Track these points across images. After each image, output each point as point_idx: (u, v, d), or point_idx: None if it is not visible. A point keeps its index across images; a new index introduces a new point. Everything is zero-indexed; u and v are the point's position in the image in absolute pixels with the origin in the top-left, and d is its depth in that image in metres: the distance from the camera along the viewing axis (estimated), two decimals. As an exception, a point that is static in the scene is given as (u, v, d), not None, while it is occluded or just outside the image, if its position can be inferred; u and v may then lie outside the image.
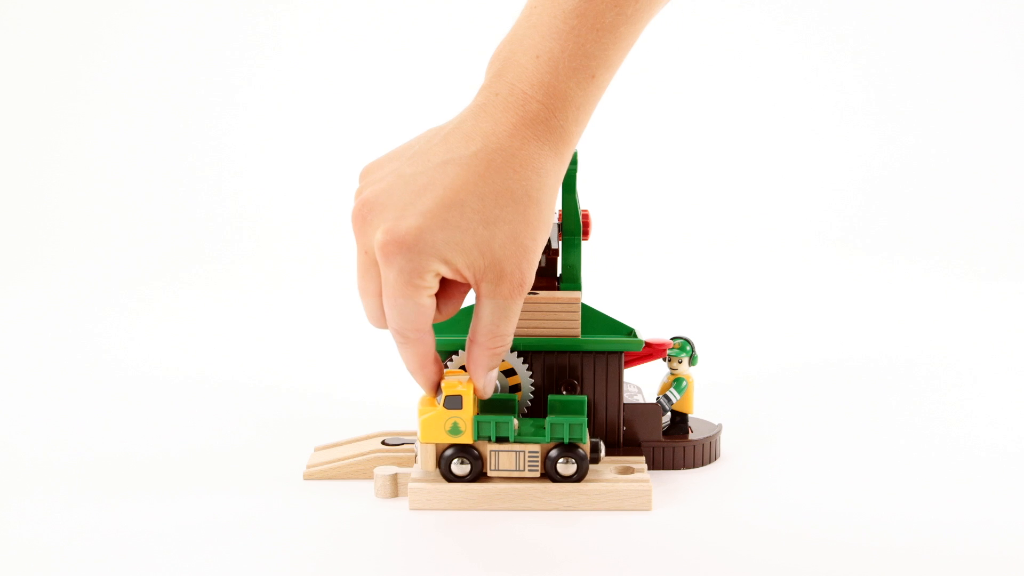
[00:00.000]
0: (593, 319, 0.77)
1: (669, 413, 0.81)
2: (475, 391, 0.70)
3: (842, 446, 0.83)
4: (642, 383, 0.87)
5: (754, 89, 1.77)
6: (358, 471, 0.76)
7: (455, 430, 0.71)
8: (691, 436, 0.79)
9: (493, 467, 0.71)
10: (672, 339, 0.81)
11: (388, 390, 0.95)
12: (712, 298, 1.34)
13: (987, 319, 1.23)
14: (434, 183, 0.63)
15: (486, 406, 0.73)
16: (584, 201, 0.80)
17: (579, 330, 0.76)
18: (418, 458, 0.72)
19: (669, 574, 0.63)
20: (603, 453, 0.73)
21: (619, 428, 0.77)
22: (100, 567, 0.63)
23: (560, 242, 0.79)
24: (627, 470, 0.73)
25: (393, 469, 0.73)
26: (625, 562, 0.64)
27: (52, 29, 1.77)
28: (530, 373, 0.76)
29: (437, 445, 0.71)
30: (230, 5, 1.80)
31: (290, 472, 0.77)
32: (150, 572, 0.63)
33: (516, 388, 0.76)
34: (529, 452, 0.71)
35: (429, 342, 0.68)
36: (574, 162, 0.76)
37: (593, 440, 0.73)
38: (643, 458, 0.75)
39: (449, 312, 0.69)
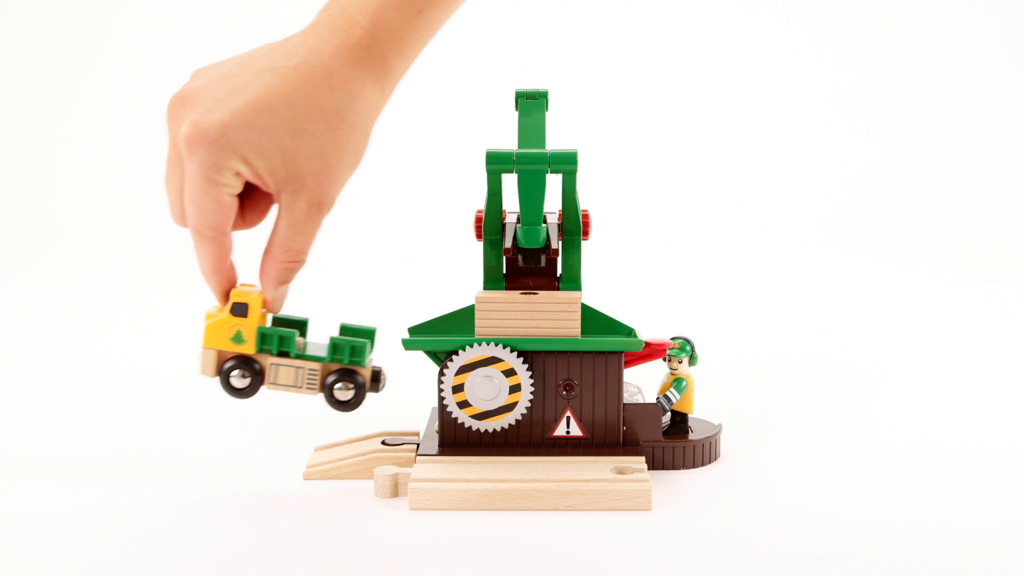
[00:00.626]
0: (593, 319, 0.77)
1: (669, 413, 0.81)
2: (265, 304, 0.70)
3: (842, 446, 0.83)
4: (642, 383, 0.87)
5: (753, 89, 1.77)
6: (358, 471, 0.76)
7: (238, 338, 0.70)
8: (691, 436, 0.79)
9: (272, 380, 0.71)
10: (672, 339, 0.81)
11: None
12: (712, 298, 1.34)
13: (987, 318, 1.23)
14: (249, 86, 0.64)
15: (276, 324, 0.73)
16: (584, 201, 0.80)
17: (579, 330, 0.76)
18: (200, 364, 0.71)
19: (669, 574, 0.63)
20: (384, 384, 0.73)
21: (619, 428, 0.77)
22: (96, 563, 0.63)
23: (560, 242, 0.79)
24: (627, 470, 0.73)
25: (393, 469, 0.73)
26: (625, 562, 0.64)
27: (50, 27, 1.77)
28: (530, 373, 0.76)
29: (219, 352, 0.71)
30: (228, 5, 1.80)
31: (290, 472, 0.77)
32: (149, 572, 0.63)
33: (516, 388, 0.76)
34: (309, 370, 0.71)
35: (225, 244, 0.68)
36: (574, 162, 0.76)
37: (375, 368, 0.73)
38: (643, 458, 0.75)
39: (254, 220, 0.69)
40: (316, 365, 0.72)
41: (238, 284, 0.71)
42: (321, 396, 0.73)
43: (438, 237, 1.57)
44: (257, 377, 0.71)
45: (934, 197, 1.69)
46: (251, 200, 0.69)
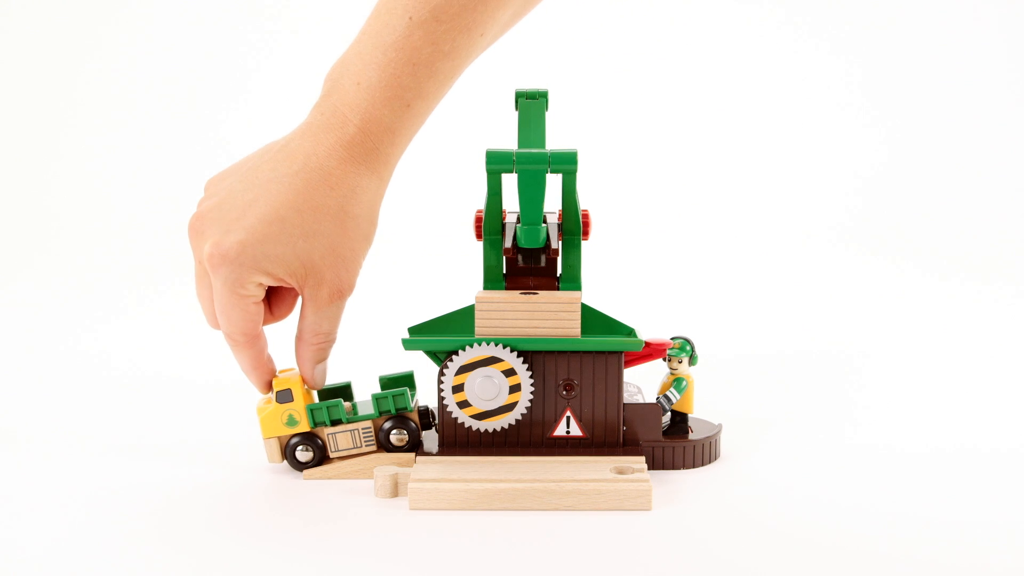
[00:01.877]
0: (593, 319, 0.77)
1: (669, 413, 0.81)
2: (306, 382, 0.76)
3: (842, 446, 0.83)
4: (642, 383, 0.87)
5: (752, 89, 1.77)
6: (358, 471, 0.76)
7: (291, 421, 0.76)
8: (691, 436, 0.79)
9: (334, 449, 0.77)
10: (672, 339, 0.81)
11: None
12: (712, 298, 1.34)
13: (988, 318, 1.23)
14: (258, 200, 0.69)
15: (323, 396, 0.80)
16: (584, 201, 0.80)
17: (579, 330, 0.76)
18: (267, 454, 0.77)
19: (669, 574, 0.63)
20: (435, 419, 0.78)
21: (619, 428, 0.77)
22: (95, 563, 0.63)
23: (560, 242, 0.79)
24: (627, 470, 0.73)
25: (393, 469, 0.73)
26: (625, 562, 0.64)
27: (49, 28, 1.77)
28: (530, 373, 0.76)
29: (280, 438, 0.76)
30: (226, 5, 1.80)
31: (290, 472, 0.77)
32: (149, 572, 0.63)
33: (516, 388, 0.76)
34: (363, 429, 0.76)
35: (259, 345, 0.74)
36: (574, 162, 0.76)
37: (421, 407, 0.78)
38: (643, 458, 0.75)
39: (282, 314, 0.76)
40: (368, 423, 0.77)
41: (277, 373, 0.78)
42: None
43: (438, 237, 1.57)
44: (320, 450, 0.77)
45: (934, 197, 1.69)
46: (278, 296, 0.75)
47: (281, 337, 1.16)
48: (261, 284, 0.70)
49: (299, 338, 0.74)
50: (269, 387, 0.76)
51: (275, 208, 0.69)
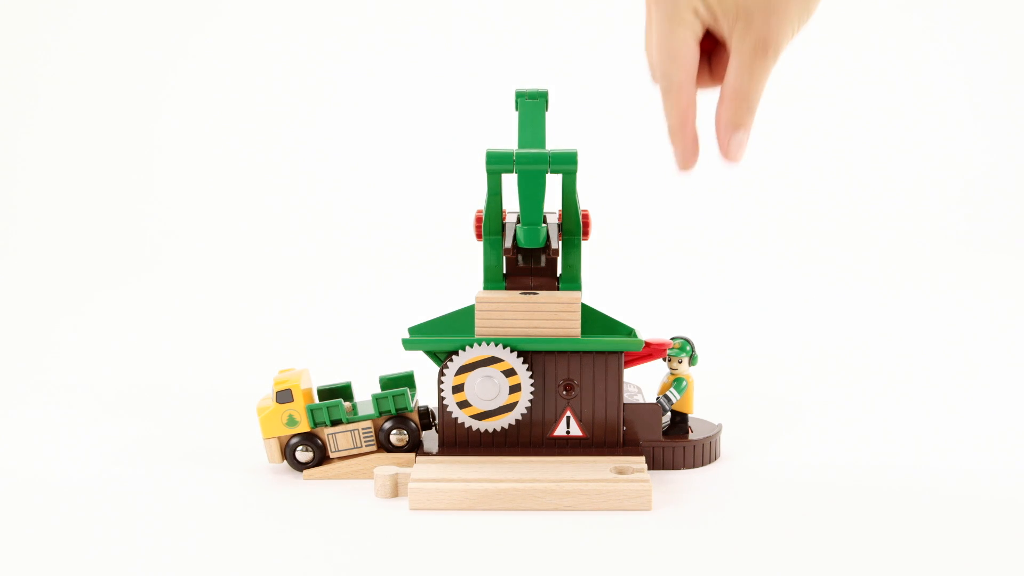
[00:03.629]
0: (593, 319, 0.77)
1: (669, 413, 0.81)
2: (723, 151, 0.72)
3: (842, 446, 0.83)
4: (642, 383, 0.87)
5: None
6: (358, 471, 0.76)
7: (291, 421, 0.76)
8: (691, 436, 0.79)
9: (334, 449, 0.77)
10: (672, 339, 0.81)
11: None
12: (712, 298, 1.34)
13: (987, 319, 1.24)
14: None
15: (323, 396, 0.80)
16: (584, 201, 0.80)
17: (579, 330, 0.76)
18: (267, 454, 0.77)
19: (669, 574, 0.63)
20: (435, 418, 0.79)
21: (619, 428, 0.77)
22: (95, 566, 0.63)
23: (560, 242, 0.79)
24: (627, 470, 0.73)
25: (393, 469, 0.73)
26: (625, 562, 0.64)
27: (46, 26, 1.77)
28: (530, 373, 0.76)
29: (280, 438, 0.76)
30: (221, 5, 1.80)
31: (290, 472, 0.77)
32: (149, 572, 0.63)
33: (516, 388, 0.76)
34: (363, 429, 0.76)
35: (690, 97, 0.71)
36: (574, 162, 0.76)
37: (421, 407, 0.78)
38: (643, 458, 0.75)
39: (720, 77, 0.72)
40: (368, 423, 0.77)
41: (278, 372, 0.79)
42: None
43: (438, 237, 1.57)
44: (320, 450, 0.76)
45: (934, 196, 1.69)
46: (716, 60, 0.73)
47: (282, 337, 1.16)
48: (696, 12, 0.69)
49: (720, 99, 0.71)
50: (688, 163, 0.72)
51: None
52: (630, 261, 1.50)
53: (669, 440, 0.78)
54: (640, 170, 1.69)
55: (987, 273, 1.45)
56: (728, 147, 0.72)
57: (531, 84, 0.91)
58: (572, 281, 0.79)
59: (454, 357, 0.76)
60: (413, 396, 0.79)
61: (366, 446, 0.77)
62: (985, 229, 1.63)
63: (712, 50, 0.73)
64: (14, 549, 0.66)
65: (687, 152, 0.72)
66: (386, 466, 0.75)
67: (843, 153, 1.74)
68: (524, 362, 0.76)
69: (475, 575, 0.63)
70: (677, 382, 0.80)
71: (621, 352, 0.77)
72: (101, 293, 1.36)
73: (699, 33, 0.70)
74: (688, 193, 1.67)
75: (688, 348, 0.81)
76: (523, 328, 0.76)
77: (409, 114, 1.76)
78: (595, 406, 0.77)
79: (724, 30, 0.70)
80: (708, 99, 0.72)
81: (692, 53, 0.70)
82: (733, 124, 0.71)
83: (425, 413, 0.79)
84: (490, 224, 0.79)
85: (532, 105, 0.82)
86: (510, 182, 0.77)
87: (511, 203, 0.79)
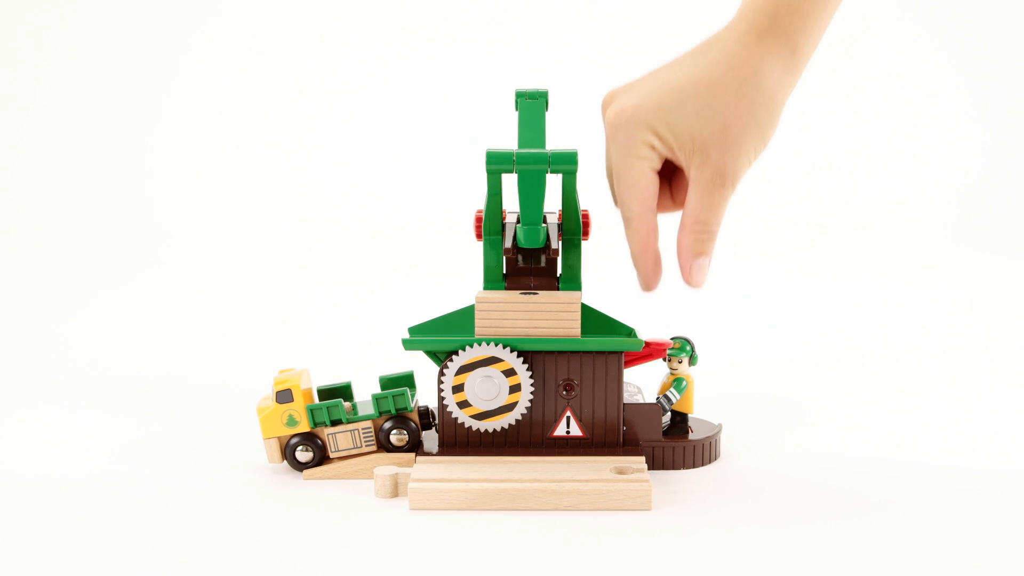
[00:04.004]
0: (593, 319, 0.77)
1: (669, 413, 0.81)
2: (685, 277, 0.73)
3: (842, 445, 0.83)
4: (642, 383, 0.87)
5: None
6: (358, 471, 0.76)
7: (291, 421, 0.76)
8: (691, 436, 0.79)
9: (334, 449, 0.77)
10: (672, 339, 0.81)
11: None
12: (712, 298, 1.34)
13: (988, 319, 1.23)
14: (663, 76, 0.71)
15: (323, 396, 0.80)
16: (584, 201, 0.80)
17: (579, 330, 0.76)
18: (267, 454, 0.77)
19: (669, 574, 0.63)
20: (435, 418, 0.79)
21: (619, 428, 0.77)
22: (94, 564, 0.63)
23: (560, 242, 0.79)
24: (627, 470, 0.73)
25: (393, 469, 0.73)
26: (625, 562, 0.64)
27: (46, 26, 1.77)
28: (530, 373, 0.76)
29: (280, 438, 0.77)
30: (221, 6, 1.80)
31: (290, 472, 0.77)
32: (149, 572, 0.63)
33: (516, 388, 0.76)
34: (363, 429, 0.77)
35: (651, 224, 0.72)
36: (574, 162, 0.76)
37: (421, 407, 0.79)
38: (643, 458, 0.75)
39: (680, 202, 0.74)
40: (368, 423, 0.77)
41: (278, 372, 0.79)
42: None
43: (438, 237, 1.57)
44: (320, 450, 0.76)
45: (935, 196, 1.69)
46: (677, 184, 0.74)
47: (282, 337, 1.16)
48: (653, 147, 0.70)
49: (681, 227, 0.72)
50: (651, 285, 0.74)
51: (675, 82, 0.70)
52: (630, 261, 1.50)
53: (669, 440, 0.79)
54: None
55: (988, 273, 1.45)
56: (690, 273, 0.73)
57: (531, 84, 0.91)
58: (572, 281, 0.79)
59: (454, 357, 0.76)
60: (413, 396, 0.79)
61: (366, 446, 0.77)
62: (985, 229, 1.63)
63: (672, 174, 0.74)
64: (14, 549, 0.66)
65: (649, 274, 0.74)
66: (386, 466, 0.75)
67: (843, 153, 1.74)
68: (524, 362, 0.76)
69: (475, 575, 0.63)
70: (677, 382, 0.80)
71: (621, 352, 0.77)
72: (102, 292, 1.36)
73: (657, 165, 0.71)
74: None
75: (688, 348, 0.81)
76: (523, 328, 0.76)
77: (409, 114, 1.76)
78: (595, 406, 0.77)
79: (682, 161, 0.71)
80: (670, 219, 0.74)
81: (651, 185, 0.71)
82: (694, 252, 0.72)
83: (425, 413, 0.79)
84: (490, 224, 0.79)
85: (532, 105, 0.82)
86: (510, 182, 0.77)
87: (511, 203, 0.79)
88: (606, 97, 0.74)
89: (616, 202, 0.73)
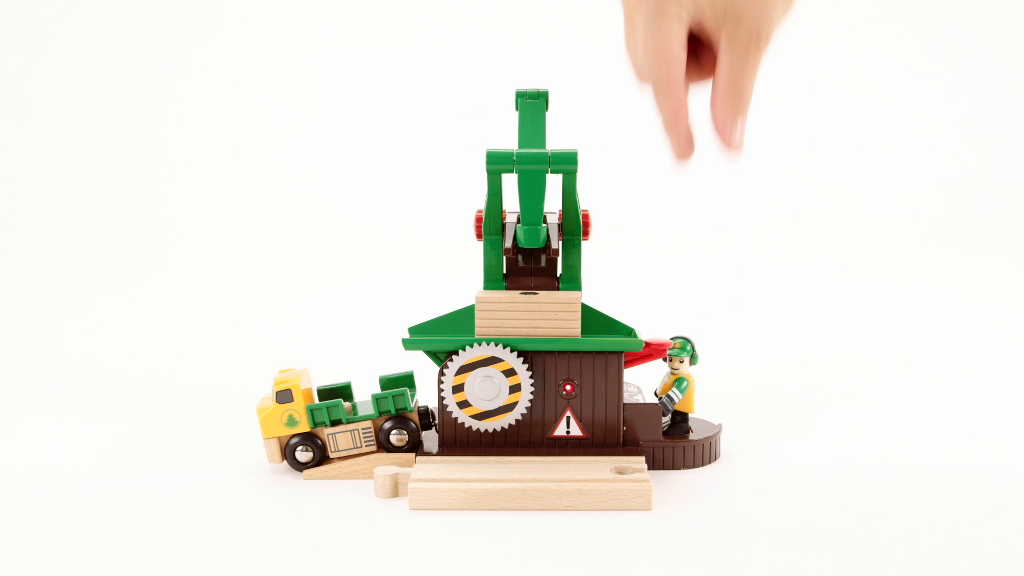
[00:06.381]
0: (593, 319, 0.77)
1: (670, 413, 0.81)
2: (722, 141, 0.71)
3: (842, 446, 0.83)
4: (642, 383, 0.87)
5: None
6: (358, 471, 0.76)
7: (291, 422, 0.76)
8: (691, 436, 0.79)
9: (334, 449, 0.77)
10: (672, 339, 0.81)
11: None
12: (712, 298, 1.34)
13: (988, 320, 1.24)
14: None
15: (323, 396, 0.80)
16: (584, 201, 0.80)
17: (579, 330, 0.76)
18: (267, 454, 0.77)
19: (669, 574, 0.63)
20: (435, 418, 0.79)
21: (619, 428, 0.77)
22: (93, 564, 0.63)
23: (560, 242, 0.79)
24: (627, 470, 0.73)
25: (393, 469, 0.73)
26: (625, 562, 0.64)
27: (46, 26, 1.77)
28: (530, 373, 0.76)
29: (280, 438, 0.77)
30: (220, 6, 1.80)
31: (290, 472, 0.77)
32: (149, 572, 0.63)
33: (516, 388, 0.76)
34: (363, 429, 0.77)
35: (680, 94, 0.70)
36: (574, 162, 0.76)
37: (421, 407, 0.79)
38: (643, 458, 0.75)
39: (710, 72, 0.72)
40: (368, 423, 0.77)
41: (277, 372, 0.79)
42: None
43: (438, 237, 1.57)
44: (320, 450, 0.77)
45: (935, 196, 1.69)
46: (701, 54, 0.72)
47: (282, 337, 1.16)
48: (682, 5, 0.69)
49: (713, 93, 0.71)
50: (684, 153, 0.72)
51: None
52: (630, 261, 1.50)
53: (669, 440, 0.79)
54: (640, 170, 1.69)
55: (988, 273, 1.45)
56: (731, 136, 0.71)
57: (531, 84, 0.91)
58: (572, 281, 0.79)
59: (454, 357, 0.76)
60: (413, 396, 0.79)
61: (366, 446, 0.77)
62: (986, 229, 1.63)
63: (693, 46, 0.72)
64: (14, 548, 0.66)
65: (682, 144, 0.72)
66: (386, 466, 0.75)
67: (844, 152, 1.74)
68: (524, 362, 0.76)
69: (475, 575, 0.63)
70: (678, 382, 0.80)
71: (621, 352, 0.77)
72: (101, 292, 1.36)
73: (684, 28, 0.70)
74: (688, 193, 1.67)
75: (689, 348, 0.81)
76: (523, 328, 0.76)
77: (409, 114, 1.76)
78: (595, 406, 0.77)
79: (711, 25, 0.70)
80: (697, 95, 0.72)
81: (680, 48, 0.70)
82: (733, 113, 0.71)
83: (425, 413, 0.79)
84: (490, 224, 0.79)
85: (532, 105, 0.82)
86: (510, 182, 0.77)
87: (511, 203, 0.79)
88: None
89: (640, 75, 0.71)
